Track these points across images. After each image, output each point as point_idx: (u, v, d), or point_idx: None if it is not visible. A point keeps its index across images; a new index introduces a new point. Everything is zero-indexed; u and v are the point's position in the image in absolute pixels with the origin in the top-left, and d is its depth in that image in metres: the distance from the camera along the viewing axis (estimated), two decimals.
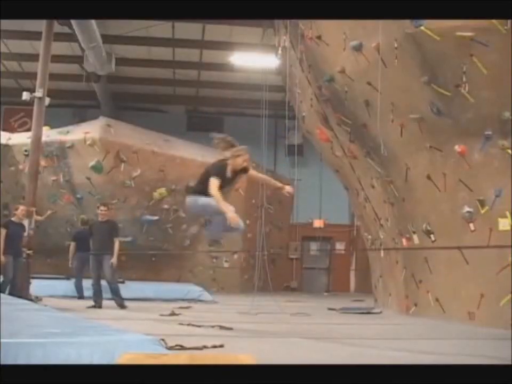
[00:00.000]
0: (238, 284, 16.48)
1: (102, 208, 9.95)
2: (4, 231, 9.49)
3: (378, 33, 7.96)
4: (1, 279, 9.55)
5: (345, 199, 17.20)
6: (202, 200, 6.50)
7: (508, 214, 7.99)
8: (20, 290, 9.37)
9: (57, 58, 13.38)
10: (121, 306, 9.48)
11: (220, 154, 6.80)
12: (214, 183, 6.36)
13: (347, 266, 20.93)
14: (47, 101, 10.60)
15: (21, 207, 9.83)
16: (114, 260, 9.51)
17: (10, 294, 9.18)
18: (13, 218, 9.81)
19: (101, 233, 9.74)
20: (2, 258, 9.32)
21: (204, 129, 20.70)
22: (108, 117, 16.11)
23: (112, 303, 9.66)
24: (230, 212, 6.20)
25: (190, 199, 6.76)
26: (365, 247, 12.85)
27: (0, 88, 17.68)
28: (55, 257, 14.45)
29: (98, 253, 9.66)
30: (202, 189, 6.51)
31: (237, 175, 6.76)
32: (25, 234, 9.23)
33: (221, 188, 6.41)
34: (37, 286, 10.42)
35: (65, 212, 15.35)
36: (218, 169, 6.56)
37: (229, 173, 6.57)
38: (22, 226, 9.78)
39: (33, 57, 13.89)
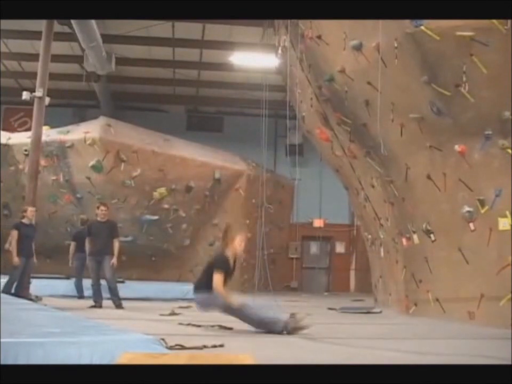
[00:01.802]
0: (238, 284, 16.48)
1: (102, 208, 9.92)
2: (15, 233, 9.54)
3: (378, 33, 7.95)
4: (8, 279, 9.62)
5: (345, 199, 17.21)
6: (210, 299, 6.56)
7: (508, 214, 7.99)
8: (24, 290, 9.48)
9: (57, 58, 13.40)
10: (119, 306, 9.47)
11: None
12: (219, 279, 6.48)
13: (347, 266, 20.93)
14: (47, 100, 10.61)
15: (30, 208, 9.87)
16: (114, 260, 9.50)
17: (16, 293, 9.24)
18: (23, 220, 9.84)
19: (100, 233, 9.70)
20: (16, 259, 9.38)
21: (203, 129, 20.77)
22: (108, 116, 16.10)
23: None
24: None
25: (200, 297, 6.84)
26: (365, 247, 12.84)
27: (0, 88, 17.69)
28: (55, 257, 14.45)
29: (98, 254, 9.64)
30: (206, 283, 6.59)
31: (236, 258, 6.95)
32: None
33: (226, 280, 6.58)
34: (37, 286, 10.45)
35: (65, 211, 15.34)
36: (221, 263, 6.69)
37: (231, 263, 6.78)
38: (33, 227, 9.90)
39: (33, 57, 13.90)
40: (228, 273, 6.67)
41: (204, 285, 6.70)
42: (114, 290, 9.62)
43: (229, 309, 6.48)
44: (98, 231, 9.77)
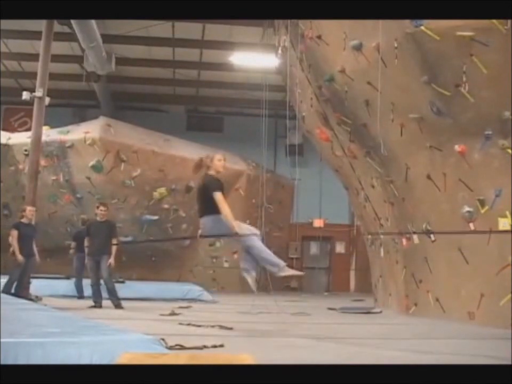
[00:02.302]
0: (238, 284, 16.47)
1: (101, 208, 9.93)
2: (15, 233, 9.57)
3: (378, 33, 7.95)
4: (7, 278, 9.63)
5: (345, 199, 17.19)
6: (217, 219, 6.41)
7: (508, 214, 7.99)
8: (24, 290, 9.49)
9: (57, 58, 13.40)
10: (118, 306, 9.47)
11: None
12: (222, 199, 6.34)
13: (347, 266, 20.93)
14: (47, 100, 10.61)
15: (29, 208, 9.90)
16: (112, 260, 9.50)
17: (16, 293, 9.26)
18: (22, 220, 9.87)
19: (99, 233, 9.71)
20: (20, 257, 9.44)
21: (203, 129, 20.77)
22: (108, 116, 16.11)
23: None
24: (241, 229, 6.24)
25: (206, 219, 6.64)
26: (365, 247, 12.84)
27: (0, 88, 17.69)
28: (55, 257, 14.45)
29: (96, 254, 9.65)
30: (207, 208, 6.47)
31: None
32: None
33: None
34: (37, 286, 10.45)
35: (65, 211, 15.35)
36: (216, 184, 6.55)
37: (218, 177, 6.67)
38: (32, 227, 9.95)
39: (33, 57, 13.90)
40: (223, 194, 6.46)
41: (207, 210, 6.50)
42: (112, 290, 9.61)
43: (235, 232, 6.31)
44: (97, 231, 9.79)
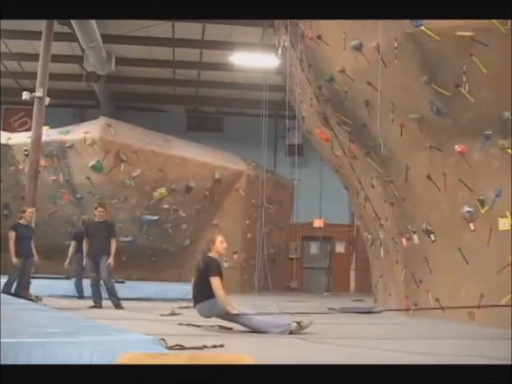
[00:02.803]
0: (238, 284, 16.48)
1: (99, 209, 9.92)
2: (13, 234, 9.60)
3: (378, 33, 7.95)
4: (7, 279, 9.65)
5: (345, 199, 17.21)
6: (213, 302, 6.53)
7: (508, 214, 7.99)
8: (24, 290, 9.50)
9: (57, 58, 13.39)
10: (118, 306, 9.47)
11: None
12: (217, 284, 6.48)
13: (347, 266, 20.93)
14: (47, 100, 10.61)
15: (29, 210, 9.93)
16: (111, 260, 9.50)
17: (16, 293, 9.27)
18: (20, 221, 9.90)
19: (98, 234, 9.72)
20: (15, 259, 9.44)
21: (203, 129, 20.77)
22: (108, 116, 16.10)
23: None
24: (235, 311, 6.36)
25: (202, 305, 6.72)
26: (365, 247, 12.84)
27: (0, 88, 17.69)
28: (54, 258, 14.44)
29: (95, 254, 9.65)
30: (204, 292, 6.58)
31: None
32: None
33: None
34: (37, 286, 10.45)
35: (65, 211, 15.34)
36: (214, 268, 6.65)
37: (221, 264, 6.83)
38: (30, 228, 9.98)
39: (33, 57, 13.90)
40: (221, 276, 6.65)
41: (203, 294, 6.65)
42: (111, 290, 9.62)
43: (229, 316, 6.46)
44: (96, 231, 9.80)
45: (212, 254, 6.85)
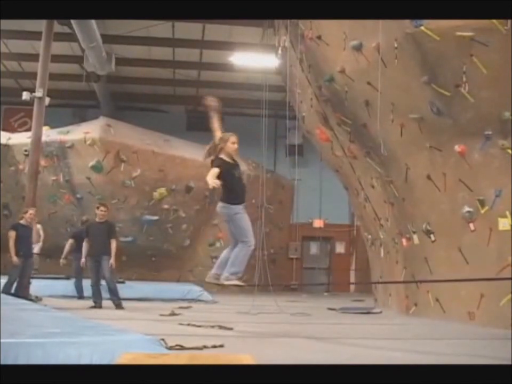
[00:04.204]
0: None
1: (102, 208, 9.92)
2: (13, 234, 9.61)
3: (378, 33, 7.95)
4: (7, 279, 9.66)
5: (345, 199, 17.19)
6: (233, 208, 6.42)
7: (508, 214, 7.99)
8: (24, 290, 9.50)
9: (57, 58, 13.38)
10: (119, 306, 9.47)
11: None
12: (211, 171, 6.20)
13: (347, 267, 20.92)
14: (47, 100, 10.61)
15: (30, 211, 9.95)
16: (112, 260, 9.51)
17: (16, 293, 9.28)
18: (21, 221, 9.91)
19: (98, 234, 9.72)
20: (15, 259, 9.47)
21: (203, 129, 20.63)
22: (108, 117, 16.11)
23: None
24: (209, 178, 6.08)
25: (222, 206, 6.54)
26: (365, 247, 12.84)
27: (0, 88, 17.69)
28: (55, 257, 14.44)
29: (96, 254, 9.66)
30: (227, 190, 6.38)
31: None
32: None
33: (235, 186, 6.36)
34: (37, 286, 10.45)
35: (65, 212, 15.35)
36: (217, 163, 6.37)
37: (230, 163, 6.44)
38: (30, 229, 10.02)
39: (33, 57, 13.89)
40: (221, 169, 6.24)
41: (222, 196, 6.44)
42: (113, 290, 9.63)
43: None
44: (96, 231, 9.80)
45: (222, 156, 6.41)
